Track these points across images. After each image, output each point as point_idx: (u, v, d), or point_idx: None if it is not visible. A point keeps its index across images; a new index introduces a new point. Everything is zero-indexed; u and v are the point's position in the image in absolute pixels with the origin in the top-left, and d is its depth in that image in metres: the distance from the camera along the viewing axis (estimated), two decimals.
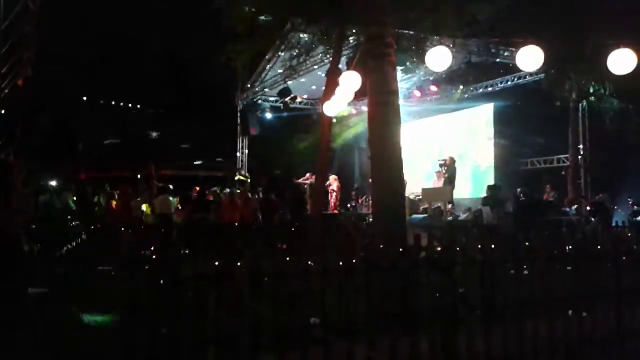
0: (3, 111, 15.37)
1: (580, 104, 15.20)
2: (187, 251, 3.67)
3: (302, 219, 12.29)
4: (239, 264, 3.63)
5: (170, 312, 3.46)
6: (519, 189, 13.33)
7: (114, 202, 12.38)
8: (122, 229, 9.46)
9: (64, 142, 29.70)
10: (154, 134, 35.09)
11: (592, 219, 12.41)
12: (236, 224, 11.02)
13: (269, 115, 20.25)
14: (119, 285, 3.67)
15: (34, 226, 11.25)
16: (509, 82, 16.52)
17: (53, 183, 18.19)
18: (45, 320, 3.93)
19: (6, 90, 13.51)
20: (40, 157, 21.52)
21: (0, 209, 6.59)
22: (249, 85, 19.19)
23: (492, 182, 15.18)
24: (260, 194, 15.14)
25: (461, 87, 17.38)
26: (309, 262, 3.82)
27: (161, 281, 3.46)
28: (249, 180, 17.83)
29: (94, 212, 12.22)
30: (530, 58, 8.01)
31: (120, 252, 3.70)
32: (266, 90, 18.73)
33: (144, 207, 12.80)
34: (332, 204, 16.21)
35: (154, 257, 3.55)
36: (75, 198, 13.57)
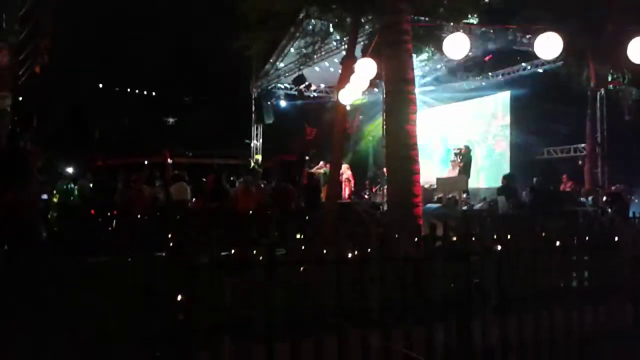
0: (20, 98, 15.52)
1: (598, 93, 14.98)
2: (203, 239, 3.69)
3: (317, 207, 12.29)
4: (254, 252, 3.65)
5: (186, 299, 3.49)
6: (535, 179, 13.21)
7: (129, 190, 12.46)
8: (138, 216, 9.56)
9: (80, 130, 29.97)
10: (170, 121, 35.28)
11: (609, 210, 12.28)
12: (250, 212, 11.05)
13: (283, 103, 20.23)
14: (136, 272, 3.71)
15: (51, 213, 11.42)
16: (526, 70, 16.32)
17: (70, 170, 18.39)
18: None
19: (23, 78, 13.64)
20: (57, 144, 21.72)
21: (19, 196, 6.69)
22: (263, 73, 19.17)
23: (508, 172, 15.08)
24: (274, 183, 15.14)
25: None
26: (325, 252, 3.84)
27: (177, 268, 3.50)
28: (261, 170, 17.85)
29: (111, 199, 12.32)
30: (548, 46, 7.91)
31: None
32: (281, 78, 18.69)
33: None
34: (346, 193, 16.19)
35: (170, 244, 3.58)
36: (91, 185, 13.71)
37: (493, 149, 17.83)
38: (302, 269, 3.76)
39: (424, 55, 13.80)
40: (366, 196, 18.13)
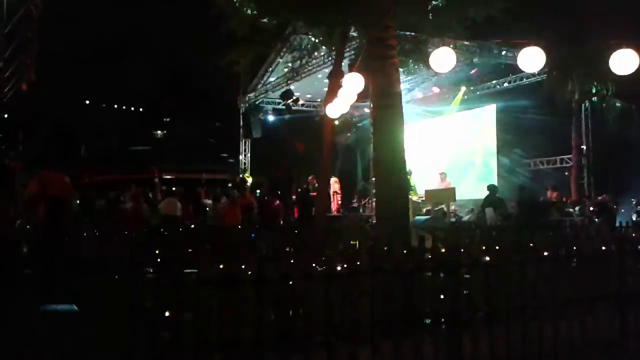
0: (6, 115, 15.42)
1: (583, 105, 15.16)
2: (192, 254, 3.66)
3: (310, 220, 12.25)
4: (243, 267, 3.63)
5: (173, 315, 3.45)
6: (521, 190, 13.30)
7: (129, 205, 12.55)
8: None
9: (66, 146, 29.79)
10: (158, 134, 35.25)
11: (596, 220, 12.38)
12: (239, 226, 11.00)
13: (271, 118, 20.27)
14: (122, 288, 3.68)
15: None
16: (512, 83, 16.49)
17: None
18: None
19: (9, 95, 13.55)
20: (43, 161, 21.53)
21: (1, 214, 6.61)
22: (251, 88, 19.21)
23: (495, 183, 15.16)
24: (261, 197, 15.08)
25: (463, 88, 17.42)
26: (314, 266, 3.82)
27: (165, 285, 3.46)
28: (248, 181, 17.77)
29: (95, 216, 12.24)
30: (532, 59, 8.00)
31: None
32: (268, 92, 18.74)
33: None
34: (334, 206, 16.14)
35: (158, 260, 3.55)
36: (78, 202, 13.60)
37: (480, 161, 17.93)
38: (290, 283, 3.73)
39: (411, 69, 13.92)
40: (354, 208, 18.07)
